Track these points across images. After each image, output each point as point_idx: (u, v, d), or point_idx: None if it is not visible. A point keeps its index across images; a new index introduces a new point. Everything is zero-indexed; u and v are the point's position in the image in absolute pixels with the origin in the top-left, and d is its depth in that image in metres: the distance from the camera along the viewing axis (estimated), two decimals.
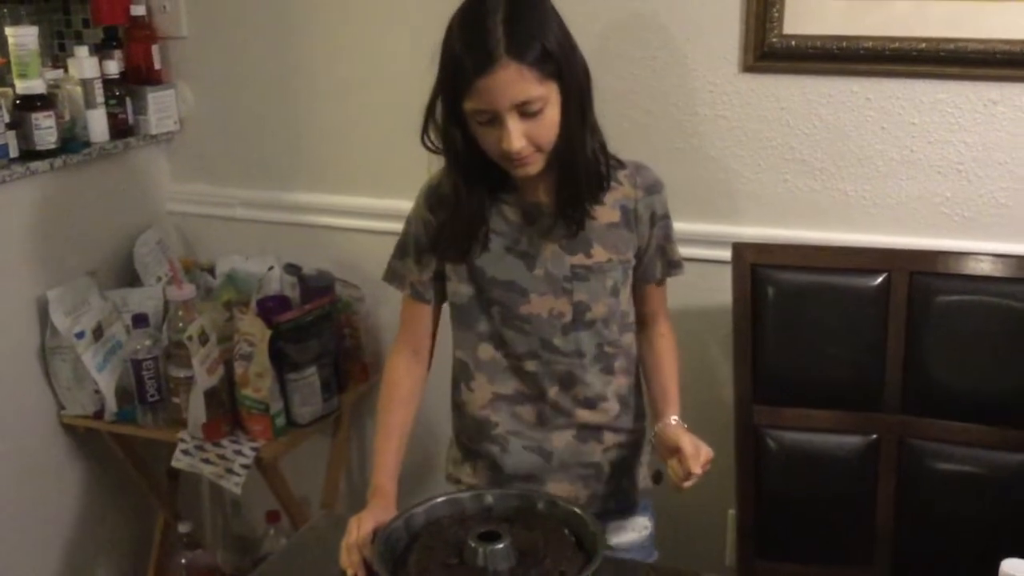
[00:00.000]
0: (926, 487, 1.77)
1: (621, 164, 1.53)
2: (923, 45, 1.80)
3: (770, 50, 1.89)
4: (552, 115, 1.39)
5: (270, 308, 2.12)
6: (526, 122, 1.37)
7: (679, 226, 2.01)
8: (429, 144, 1.47)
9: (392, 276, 1.61)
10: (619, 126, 2.01)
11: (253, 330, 2.04)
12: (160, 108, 2.38)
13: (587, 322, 1.52)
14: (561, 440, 1.56)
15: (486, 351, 1.56)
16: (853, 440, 1.80)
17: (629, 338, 1.58)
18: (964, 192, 1.86)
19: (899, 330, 1.75)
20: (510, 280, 1.51)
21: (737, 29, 1.91)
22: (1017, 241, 1.83)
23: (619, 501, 1.61)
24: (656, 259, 1.57)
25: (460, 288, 1.54)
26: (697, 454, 1.40)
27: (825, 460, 1.81)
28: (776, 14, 1.87)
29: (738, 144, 1.97)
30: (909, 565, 1.80)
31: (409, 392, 1.60)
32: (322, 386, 2.16)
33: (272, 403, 2.07)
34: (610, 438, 1.58)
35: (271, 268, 2.28)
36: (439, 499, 1.41)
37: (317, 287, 2.22)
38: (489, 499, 1.41)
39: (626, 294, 1.56)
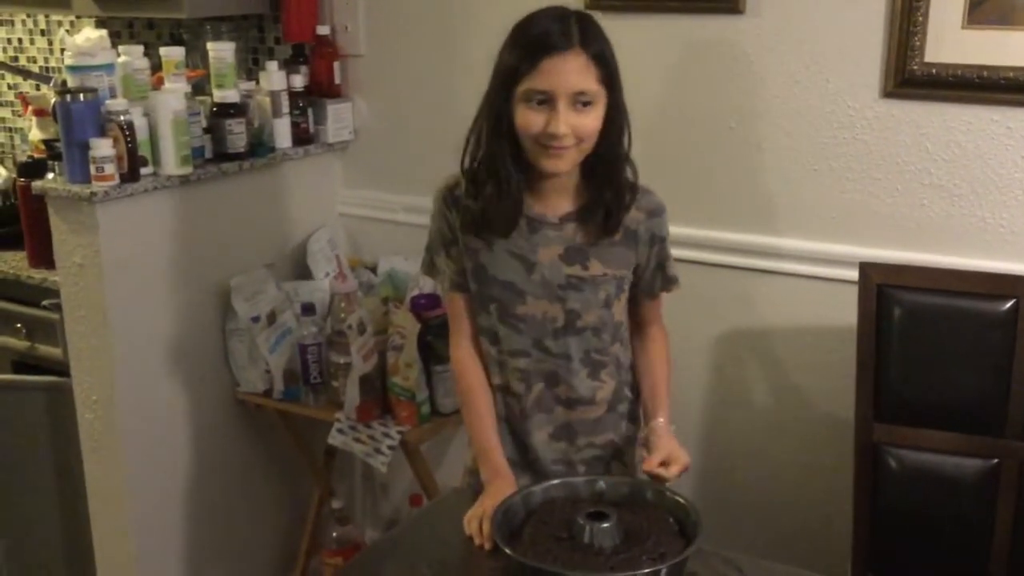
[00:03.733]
0: None
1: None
2: None
3: (911, 77, 1.93)
4: (596, 117, 1.51)
5: (422, 305, 2.29)
6: (575, 114, 1.49)
7: (811, 245, 2.08)
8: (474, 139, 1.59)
9: (430, 270, 1.74)
10: (757, 146, 2.11)
11: (405, 323, 2.22)
12: (338, 119, 2.61)
13: (577, 329, 1.63)
14: (540, 436, 1.69)
15: (485, 344, 1.69)
16: (973, 463, 1.81)
17: (619, 348, 1.69)
18: None
19: None
20: (509, 281, 1.62)
21: (879, 56, 1.96)
22: None
23: None
24: (655, 276, 1.68)
25: (470, 283, 1.67)
26: (667, 464, 1.53)
27: (944, 482, 1.83)
28: (917, 43, 1.91)
29: (875, 167, 2.01)
30: None
31: (481, 378, 1.71)
32: None
33: (418, 392, 2.24)
34: (582, 440, 1.69)
35: None
36: (555, 482, 1.53)
37: None
38: (601, 484, 1.53)
39: (620, 307, 1.67)
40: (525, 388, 1.67)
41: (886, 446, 1.86)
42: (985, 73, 1.87)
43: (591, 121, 1.51)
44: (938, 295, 1.83)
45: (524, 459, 1.71)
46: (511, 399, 1.69)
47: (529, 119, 1.51)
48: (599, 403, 1.68)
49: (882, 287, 1.85)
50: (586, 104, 1.50)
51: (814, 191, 2.08)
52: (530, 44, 1.49)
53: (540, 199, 1.61)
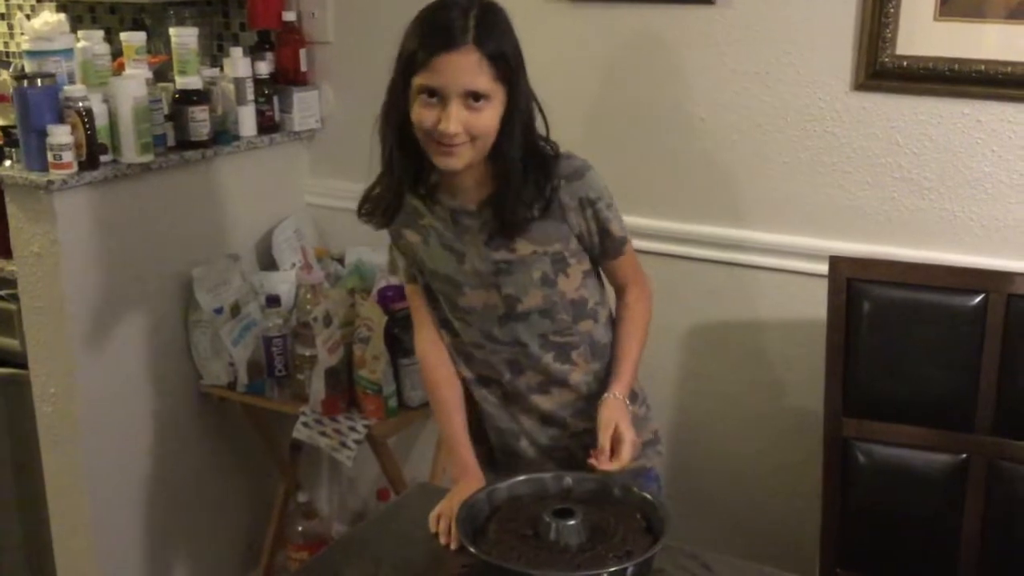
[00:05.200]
0: (1014, 510, 1.76)
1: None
2: None
3: (882, 69, 1.92)
4: (491, 115, 1.46)
5: (389, 297, 2.26)
6: (468, 112, 1.44)
7: (781, 238, 2.07)
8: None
9: (393, 265, 1.73)
10: (728, 138, 2.10)
11: (372, 316, 2.19)
12: (304, 107, 2.57)
13: (520, 314, 1.59)
14: (527, 422, 1.66)
15: (445, 336, 1.68)
16: (942, 458, 1.81)
17: (591, 326, 1.63)
18: None
19: (994, 351, 1.75)
20: (446, 274, 1.60)
21: (850, 48, 1.95)
22: None
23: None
24: (602, 240, 1.60)
25: (418, 277, 1.66)
26: (618, 450, 1.48)
27: (913, 476, 1.82)
28: (889, 34, 1.90)
29: (846, 160, 2.00)
30: None
31: (446, 368, 1.68)
32: None
33: (385, 385, 2.21)
34: (576, 424, 1.65)
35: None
36: (521, 478, 1.51)
37: None
38: (568, 481, 1.51)
39: (570, 283, 1.59)
40: (496, 376, 1.65)
41: (855, 441, 1.86)
42: (956, 66, 1.86)
43: (485, 119, 1.45)
44: (908, 289, 1.82)
45: (515, 447, 1.67)
46: (486, 390, 1.67)
47: (421, 115, 1.46)
48: (577, 385, 1.64)
49: (852, 281, 1.84)
50: (479, 106, 1.44)
51: (784, 184, 2.06)
52: (426, 36, 1.44)
53: (457, 191, 1.56)
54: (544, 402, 1.65)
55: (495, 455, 1.72)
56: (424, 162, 1.53)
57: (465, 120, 1.44)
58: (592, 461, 1.48)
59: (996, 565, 1.78)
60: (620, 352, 1.63)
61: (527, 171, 1.51)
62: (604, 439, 1.50)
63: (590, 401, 1.62)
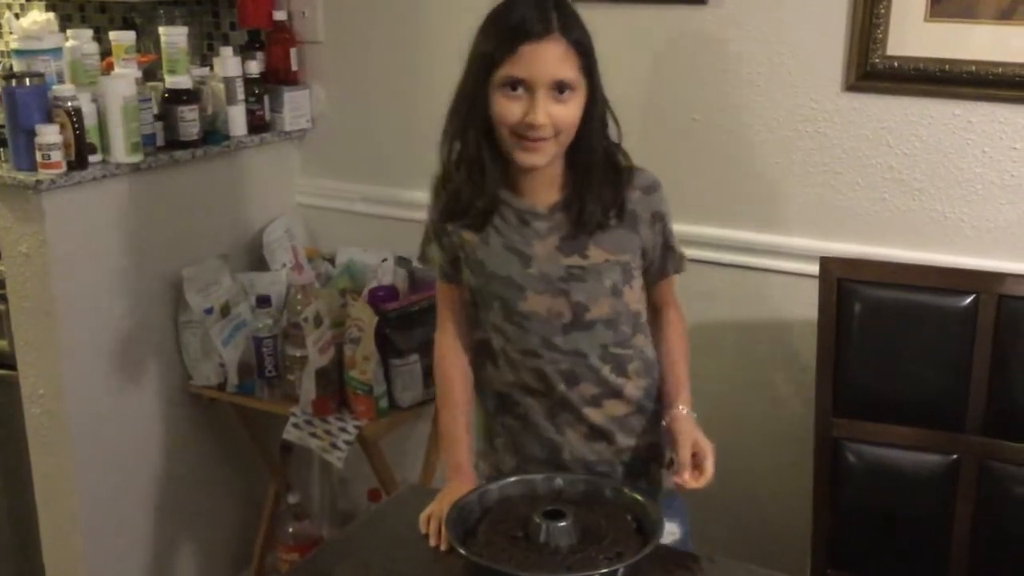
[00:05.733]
0: (1005, 510, 1.76)
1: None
2: None
3: (873, 70, 1.92)
4: (575, 108, 1.44)
5: (380, 297, 2.26)
6: (555, 103, 1.42)
7: (772, 239, 2.07)
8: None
9: (423, 259, 1.68)
10: (718, 139, 2.09)
11: (362, 316, 2.18)
12: (295, 107, 2.56)
13: (587, 323, 1.54)
14: (572, 436, 1.59)
15: (497, 341, 1.60)
16: (933, 459, 1.81)
17: (643, 341, 1.61)
18: None
19: (985, 352, 1.75)
20: (507, 276, 1.55)
21: (841, 49, 1.95)
22: None
23: None
24: (664, 255, 1.59)
25: (468, 278, 1.60)
26: (699, 463, 1.44)
27: (903, 477, 1.82)
28: (880, 35, 1.90)
29: (837, 161, 2.00)
30: None
31: (462, 369, 1.66)
32: (424, 373, 2.27)
33: (376, 385, 2.20)
34: (623, 440, 1.60)
35: (385, 260, 2.42)
36: (512, 479, 1.51)
37: (425, 280, 2.35)
38: (559, 482, 1.50)
39: (634, 295, 1.57)
40: (546, 388, 1.58)
41: (846, 441, 1.86)
42: (947, 67, 1.86)
43: (570, 111, 1.44)
44: (898, 290, 1.82)
45: (555, 461, 1.60)
46: (531, 399, 1.60)
47: (506, 108, 1.44)
48: (629, 400, 1.59)
49: (842, 281, 1.84)
50: (564, 98, 1.43)
51: (775, 184, 2.06)
52: (508, 30, 1.42)
53: (526, 191, 1.53)
54: (595, 415, 1.58)
55: (529, 469, 1.60)
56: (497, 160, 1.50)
57: (552, 112, 1.42)
58: (677, 480, 1.44)
59: (987, 565, 1.78)
60: (676, 368, 1.61)
61: (603, 172, 1.50)
62: (685, 454, 1.46)
63: (639, 416, 1.60)
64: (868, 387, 1.84)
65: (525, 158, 1.46)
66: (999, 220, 1.90)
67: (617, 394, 1.58)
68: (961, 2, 1.83)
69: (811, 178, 2.03)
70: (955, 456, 1.79)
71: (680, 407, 1.54)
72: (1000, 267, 1.85)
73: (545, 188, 1.53)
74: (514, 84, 1.43)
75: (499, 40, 1.43)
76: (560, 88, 1.42)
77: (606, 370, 1.57)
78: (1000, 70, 1.82)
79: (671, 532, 1.61)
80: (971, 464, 1.78)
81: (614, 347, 1.57)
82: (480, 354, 1.66)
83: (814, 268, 1.87)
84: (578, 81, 1.44)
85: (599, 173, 1.50)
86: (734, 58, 2.05)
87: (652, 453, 1.63)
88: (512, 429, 1.64)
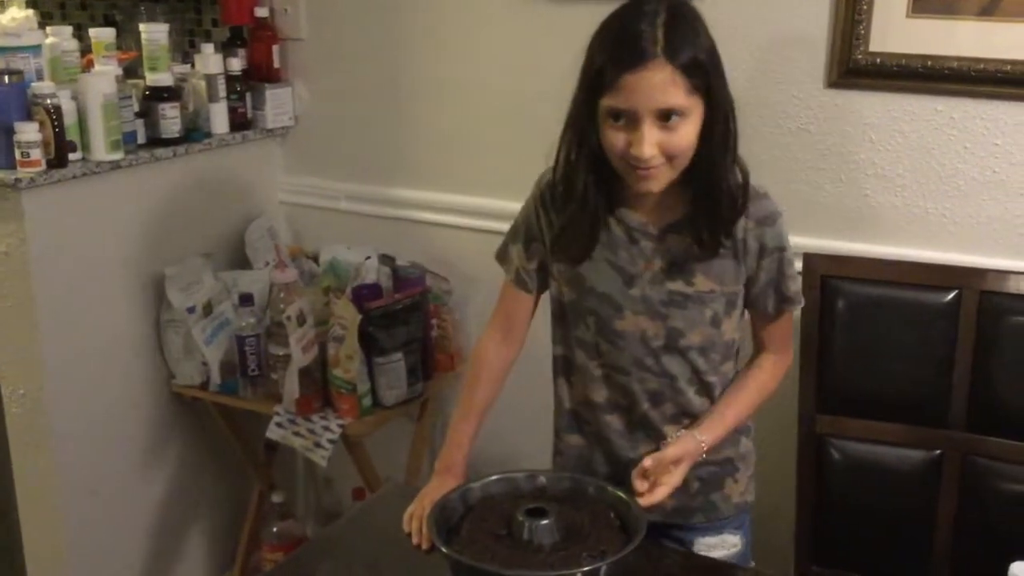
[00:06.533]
0: (988, 506, 1.77)
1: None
2: (1008, 67, 1.80)
3: (855, 67, 1.92)
4: (689, 131, 1.35)
5: (363, 295, 2.24)
6: (662, 132, 1.34)
7: None
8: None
9: (502, 257, 1.62)
10: None
11: (346, 314, 2.17)
12: (277, 104, 2.54)
13: (680, 349, 1.50)
14: (648, 450, 1.53)
15: (580, 357, 1.56)
16: (916, 454, 1.81)
17: (731, 367, 1.56)
18: None
19: (967, 347, 1.76)
20: (607, 293, 1.50)
21: (823, 45, 1.95)
22: None
23: (708, 515, 1.59)
24: (767, 292, 1.51)
25: (563, 289, 1.55)
26: (653, 488, 1.42)
27: (887, 472, 1.83)
28: (862, 32, 1.90)
29: (820, 158, 2.00)
30: None
31: (496, 373, 1.63)
32: (408, 372, 2.27)
33: (360, 384, 2.19)
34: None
35: (368, 258, 2.41)
36: (494, 477, 1.50)
37: (408, 278, 2.35)
38: (542, 480, 1.49)
39: (732, 324, 1.52)
40: (628, 404, 1.54)
41: (829, 437, 1.86)
42: (929, 63, 1.86)
43: (681, 138, 1.35)
44: (881, 286, 1.83)
45: (625, 478, 1.50)
46: (611, 416, 1.56)
47: (611, 138, 1.36)
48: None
49: (826, 278, 1.85)
50: (674, 123, 1.33)
51: (759, 181, 2.03)
52: (610, 51, 1.33)
53: (640, 207, 1.47)
54: (674, 432, 1.53)
55: None
56: (611, 174, 1.43)
57: (659, 141, 1.34)
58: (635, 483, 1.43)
59: (969, 560, 1.79)
60: (728, 403, 1.54)
61: (726, 194, 1.41)
62: (649, 464, 1.43)
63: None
64: (851, 383, 1.84)
65: (638, 185, 1.40)
66: (981, 216, 1.90)
67: (697, 416, 1.54)
68: None
69: (794, 175, 2.03)
70: (938, 452, 1.80)
71: (697, 435, 1.48)
72: (982, 263, 1.86)
73: (661, 207, 1.46)
74: (616, 114, 1.35)
75: (603, 63, 1.34)
76: (666, 116, 1.33)
77: (691, 392, 1.53)
78: (982, 66, 1.82)
79: (733, 544, 1.62)
80: (954, 459, 1.79)
81: (704, 374, 1.53)
82: (556, 371, 1.62)
83: (798, 265, 1.86)
84: (689, 104, 1.34)
85: (719, 197, 1.42)
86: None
87: (727, 469, 1.59)
88: (578, 448, 1.62)
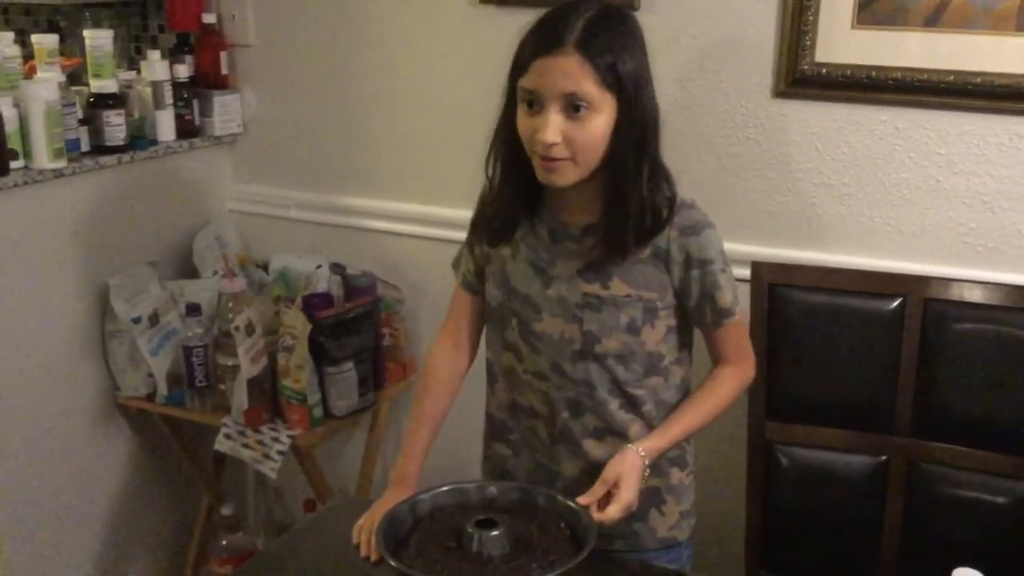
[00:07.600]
0: (934, 510, 1.79)
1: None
2: (951, 77, 1.83)
3: (801, 77, 1.94)
4: (598, 126, 1.36)
5: (314, 304, 2.22)
6: (569, 121, 1.34)
7: None
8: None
9: (456, 263, 1.65)
10: None
11: (296, 324, 2.15)
12: (225, 111, 2.51)
13: (596, 354, 1.48)
14: (570, 468, 1.55)
15: (507, 359, 1.57)
16: (862, 460, 1.83)
17: (659, 384, 1.52)
18: (988, 223, 1.89)
19: (912, 354, 1.78)
20: (527, 294, 1.51)
21: (770, 56, 1.96)
22: None
23: (628, 543, 1.57)
24: (703, 305, 1.49)
25: (492, 291, 1.56)
26: (606, 507, 1.39)
27: (834, 478, 1.85)
28: (808, 42, 1.92)
29: (767, 167, 2.02)
30: None
31: (447, 382, 1.63)
32: (359, 381, 2.25)
33: (310, 394, 2.17)
34: None
35: (319, 267, 2.39)
36: (444, 488, 1.49)
37: (359, 287, 2.33)
38: (492, 490, 1.49)
39: (654, 335, 1.49)
40: (549, 413, 1.53)
41: (778, 444, 1.88)
42: (874, 73, 1.88)
43: (587, 132, 1.35)
44: (828, 294, 1.85)
45: (553, 487, 1.52)
46: (535, 423, 1.56)
47: (522, 123, 1.38)
48: (634, 440, 1.48)
49: (773, 286, 1.86)
50: (580, 113, 1.34)
51: (707, 190, 2.06)
52: (530, 37, 1.37)
53: (565, 206, 1.47)
54: (596, 449, 1.51)
55: None
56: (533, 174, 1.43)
57: (565, 130, 1.34)
58: (581, 500, 1.39)
59: (915, 565, 1.81)
60: (674, 415, 1.51)
61: (639, 201, 1.40)
62: (600, 489, 1.40)
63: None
64: (799, 390, 1.86)
65: (543, 176, 1.40)
66: (925, 224, 1.93)
67: (621, 433, 1.51)
68: (887, 9, 1.85)
69: (742, 184, 2.05)
70: (884, 457, 1.82)
71: (639, 449, 1.45)
72: (926, 270, 1.88)
73: (581, 207, 1.46)
74: (530, 100, 1.37)
75: (522, 47, 1.38)
76: (575, 106, 1.34)
77: (614, 405, 1.51)
78: (925, 76, 1.85)
79: None
80: (899, 465, 1.81)
81: (627, 385, 1.50)
82: (488, 376, 1.62)
83: (745, 273, 1.88)
84: (598, 98, 1.34)
85: (634, 202, 1.40)
86: (665, 64, 2.03)
87: (653, 500, 1.55)
88: (502, 458, 1.62)
